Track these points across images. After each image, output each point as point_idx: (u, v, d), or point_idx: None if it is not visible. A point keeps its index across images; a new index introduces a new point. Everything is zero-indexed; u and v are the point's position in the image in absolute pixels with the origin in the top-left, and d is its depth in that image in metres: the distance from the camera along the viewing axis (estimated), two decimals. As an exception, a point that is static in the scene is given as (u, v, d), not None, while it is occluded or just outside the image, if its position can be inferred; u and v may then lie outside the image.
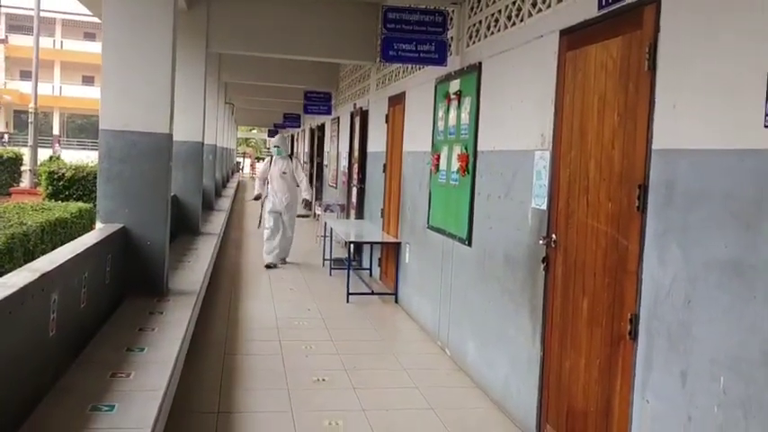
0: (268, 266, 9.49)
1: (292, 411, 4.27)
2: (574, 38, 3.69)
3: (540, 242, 3.93)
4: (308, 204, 10.70)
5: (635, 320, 3.02)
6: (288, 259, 9.95)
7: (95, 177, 13.53)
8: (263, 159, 11.98)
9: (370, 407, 4.39)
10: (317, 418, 4.19)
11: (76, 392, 3.13)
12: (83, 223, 9.70)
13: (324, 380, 4.92)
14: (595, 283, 3.39)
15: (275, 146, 10.06)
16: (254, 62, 12.14)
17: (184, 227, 8.63)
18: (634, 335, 3.02)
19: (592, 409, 3.38)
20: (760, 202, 2.32)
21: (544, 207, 3.95)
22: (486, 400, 4.67)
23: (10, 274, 3.06)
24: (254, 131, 49.20)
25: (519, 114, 4.37)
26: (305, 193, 10.15)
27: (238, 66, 12.71)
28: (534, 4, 4.23)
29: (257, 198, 9.95)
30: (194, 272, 6.19)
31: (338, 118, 12.99)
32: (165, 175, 5.24)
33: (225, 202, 15.06)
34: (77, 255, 3.76)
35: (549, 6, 4.04)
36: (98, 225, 5.06)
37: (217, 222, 10.39)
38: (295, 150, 25.35)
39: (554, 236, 3.82)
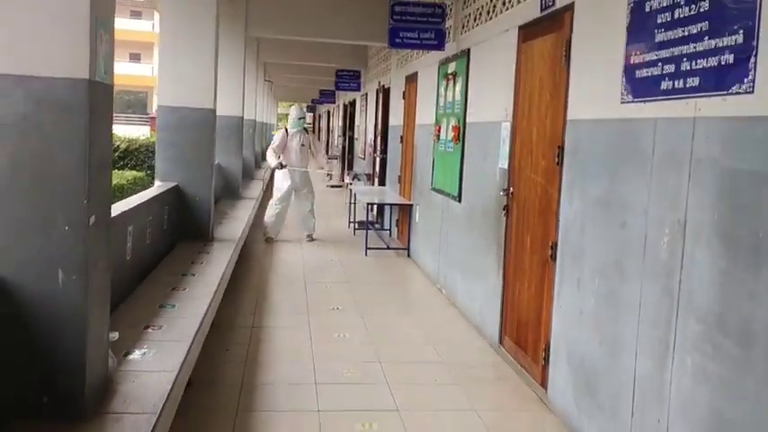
0: (267, 240, 9.41)
1: (310, 327, 5.44)
2: (527, 33, 4.70)
3: (502, 194, 4.98)
4: (322, 168, 10.56)
5: (555, 246, 4.06)
6: (314, 236, 9.60)
7: (147, 149, 14.81)
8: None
9: (371, 327, 5.53)
10: (329, 332, 5.35)
11: (147, 298, 4.31)
12: (136, 189, 11.04)
13: (338, 308, 6.07)
14: (534, 221, 4.43)
15: (300, 118, 9.71)
16: (290, 43, 13.19)
17: (227, 191, 9.82)
18: (554, 257, 4.07)
19: (531, 319, 4.45)
20: (616, 157, 3.34)
21: (506, 166, 4.98)
22: (467, 324, 5.77)
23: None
24: (292, 107, 50.46)
25: (492, 92, 5.38)
26: (321, 159, 10.26)
27: (276, 47, 13.81)
28: (504, 3, 5.23)
29: (283, 166, 9.31)
30: (234, 226, 7.37)
31: (366, 94, 14.05)
32: (210, 143, 6.40)
33: (264, 173, 16.27)
34: (144, 202, 4.96)
35: (512, 6, 5.04)
36: (157, 183, 6.26)
37: (255, 189, 11.57)
38: (330, 125, 26.52)
39: (511, 188, 4.86)
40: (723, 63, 2.52)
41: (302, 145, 9.48)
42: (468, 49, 6.12)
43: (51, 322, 2.49)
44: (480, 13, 5.86)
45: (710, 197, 2.59)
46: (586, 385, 3.58)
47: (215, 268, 5.26)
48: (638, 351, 3.07)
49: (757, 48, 2.35)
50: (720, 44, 2.54)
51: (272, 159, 9.44)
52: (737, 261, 2.42)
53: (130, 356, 3.22)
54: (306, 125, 9.71)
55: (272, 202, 9.46)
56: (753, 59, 2.37)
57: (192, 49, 6.27)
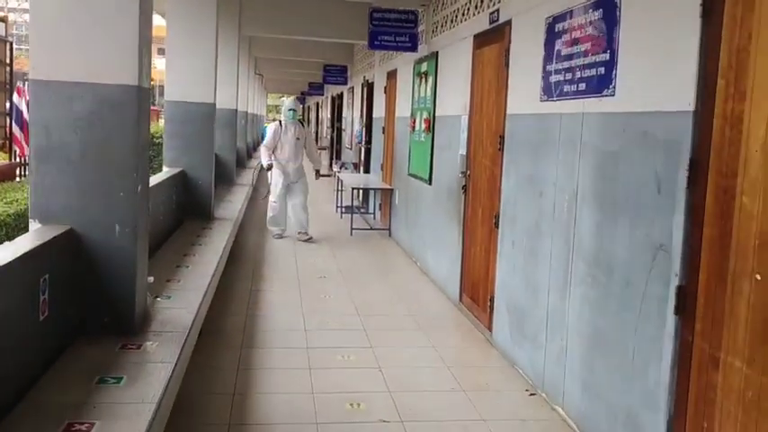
0: (278, 237, 9.24)
1: (300, 291, 6.39)
2: (479, 41, 5.64)
3: (461, 176, 5.93)
4: (317, 174, 10.19)
5: (497, 216, 5.02)
6: (310, 234, 9.20)
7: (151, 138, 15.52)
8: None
9: (352, 290, 6.49)
10: (316, 294, 6.31)
11: (165, 261, 5.23)
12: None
13: (324, 277, 7.03)
14: (484, 197, 5.39)
15: (291, 109, 9.14)
16: (280, 39, 14.05)
17: (222, 178, 10.71)
18: (497, 225, 5.02)
19: (481, 277, 5.41)
20: (538, 143, 4.29)
21: (464, 153, 5.92)
22: (435, 288, 6.73)
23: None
24: (284, 98, 51.38)
25: (455, 90, 6.32)
26: (317, 163, 10.12)
27: (266, 42, 14.66)
28: (463, 14, 6.17)
29: (270, 168, 9.09)
30: (232, 207, 8.30)
31: (353, 88, 14.97)
32: (210, 134, 7.32)
33: (255, 162, 17.17)
34: (158, 183, 5.88)
35: (469, 18, 5.97)
36: (164, 168, 7.16)
37: (248, 177, 12.48)
38: (319, 116, 27.37)
39: (468, 171, 5.81)
40: (598, 73, 3.47)
41: (297, 138, 9.04)
42: (437, 52, 7.05)
43: (110, 263, 3.41)
44: (446, 21, 6.79)
45: (590, 170, 3.55)
46: (518, 323, 4.55)
47: (218, 240, 6.19)
48: (549, 289, 4.03)
49: (617, 63, 3.31)
50: (597, 60, 3.49)
51: (264, 158, 9.17)
52: (604, 214, 3.39)
53: (159, 299, 4.15)
54: (293, 116, 9.10)
55: (270, 199, 9.22)
56: (614, 71, 3.32)
57: (195, 51, 7.18)
